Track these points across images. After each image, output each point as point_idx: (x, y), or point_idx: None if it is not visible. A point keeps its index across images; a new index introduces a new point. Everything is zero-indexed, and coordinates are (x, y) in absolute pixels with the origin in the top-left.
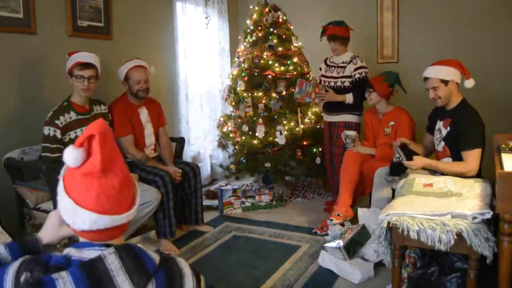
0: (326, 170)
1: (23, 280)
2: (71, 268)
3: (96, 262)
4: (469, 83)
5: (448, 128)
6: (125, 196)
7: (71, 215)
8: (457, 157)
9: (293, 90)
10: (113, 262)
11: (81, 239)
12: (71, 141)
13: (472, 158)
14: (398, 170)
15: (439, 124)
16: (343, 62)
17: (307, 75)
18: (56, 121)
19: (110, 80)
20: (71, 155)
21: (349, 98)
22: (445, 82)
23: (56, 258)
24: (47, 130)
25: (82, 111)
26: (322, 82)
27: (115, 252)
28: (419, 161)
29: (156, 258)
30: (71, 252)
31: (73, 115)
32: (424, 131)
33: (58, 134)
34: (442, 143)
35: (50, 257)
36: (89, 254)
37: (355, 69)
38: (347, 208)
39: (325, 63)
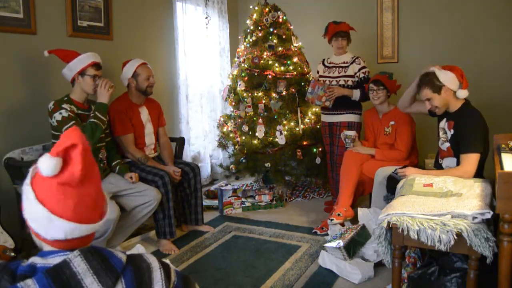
0: (327, 170)
1: None
2: (36, 276)
3: (62, 267)
4: (462, 93)
5: (452, 131)
6: (99, 205)
7: (45, 224)
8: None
9: (293, 90)
10: (79, 264)
11: (46, 248)
12: None
13: (468, 162)
14: (395, 186)
15: (445, 124)
16: (344, 62)
17: (307, 75)
18: (63, 105)
19: (110, 79)
20: (48, 164)
21: (355, 94)
22: (438, 91)
23: (22, 267)
24: (59, 115)
25: (82, 107)
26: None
27: (80, 255)
28: (412, 169)
29: (123, 256)
30: (36, 260)
31: (74, 109)
32: (424, 130)
33: (71, 113)
34: (447, 144)
35: (19, 265)
36: (53, 260)
37: (360, 69)
38: (348, 208)
39: (323, 64)
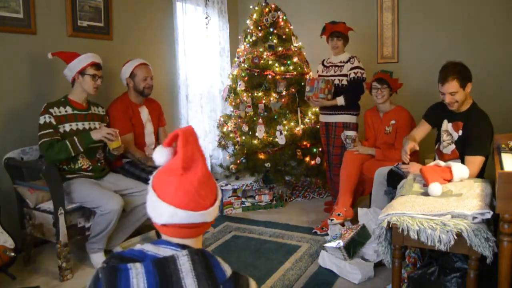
0: (325, 170)
1: (99, 268)
2: (145, 262)
3: (169, 261)
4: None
5: (461, 133)
6: (202, 195)
7: (153, 208)
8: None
9: (293, 90)
10: (184, 264)
11: (163, 237)
12: (67, 133)
13: (473, 164)
14: (397, 181)
15: (448, 125)
16: (341, 62)
17: (307, 75)
18: (50, 110)
19: (110, 80)
20: (159, 154)
21: (340, 100)
22: (464, 86)
23: (133, 250)
24: (42, 119)
25: (79, 107)
26: None
27: (188, 255)
28: (416, 166)
29: (228, 270)
30: (148, 247)
31: (69, 109)
32: None
33: (53, 121)
34: (452, 146)
35: (125, 252)
36: (164, 252)
37: (351, 68)
38: (348, 208)
39: (322, 64)
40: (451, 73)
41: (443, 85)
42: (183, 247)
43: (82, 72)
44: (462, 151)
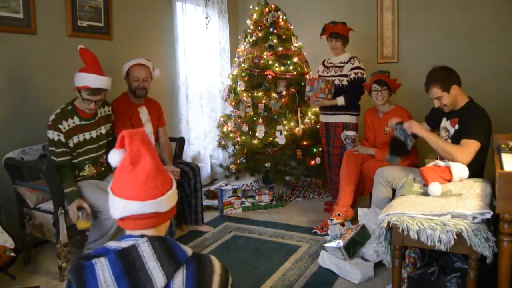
0: (325, 170)
1: (68, 269)
2: (108, 255)
3: (130, 250)
4: None
5: (457, 126)
6: (151, 186)
7: (111, 205)
8: None
9: (293, 90)
10: (145, 250)
11: (126, 232)
12: (75, 146)
13: (468, 147)
14: (398, 149)
15: (446, 123)
16: (341, 62)
17: (307, 75)
18: (59, 126)
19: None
20: (112, 155)
21: (340, 101)
22: (447, 89)
23: (97, 249)
24: (51, 135)
25: (86, 116)
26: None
27: (148, 242)
28: (416, 124)
29: (189, 250)
30: (111, 243)
31: (76, 120)
32: None
33: (62, 138)
34: (449, 141)
35: (90, 252)
36: (126, 244)
37: (352, 69)
38: (348, 208)
39: (323, 64)
40: (431, 80)
41: (427, 92)
42: (143, 237)
43: (79, 90)
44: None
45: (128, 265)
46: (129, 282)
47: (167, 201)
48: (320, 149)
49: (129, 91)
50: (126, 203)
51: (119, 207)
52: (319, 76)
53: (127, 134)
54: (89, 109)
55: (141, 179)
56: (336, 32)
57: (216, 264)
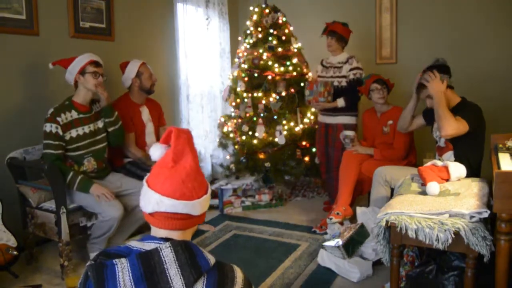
0: (321, 172)
1: (87, 265)
2: (130, 256)
3: (152, 254)
4: None
5: None
6: (188, 186)
7: (143, 197)
8: (460, 153)
9: (292, 90)
10: (167, 255)
11: (152, 231)
12: (72, 139)
13: (459, 123)
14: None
15: None
16: (339, 63)
17: (306, 76)
18: (58, 118)
19: (111, 80)
20: (154, 149)
21: (340, 102)
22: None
23: (118, 248)
24: (49, 127)
25: (83, 110)
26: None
27: (171, 247)
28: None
29: (212, 259)
30: (133, 243)
31: (74, 114)
32: (422, 130)
33: (60, 131)
34: (442, 141)
35: (111, 249)
36: (148, 246)
37: (350, 69)
38: (347, 207)
39: (321, 64)
40: (423, 82)
41: (421, 94)
42: (167, 240)
43: (82, 72)
44: (455, 143)
45: (148, 269)
46: (148, 287)
47: (200, 205)
48: (313, 149)
49: (138, 90)
50: (161, 199)
51: (151, 200)
52: (318, 76)
53: (174, 130)
54: (98, 84)
55: (180, 177)
56: (332, 30)
57: (239, 276)
